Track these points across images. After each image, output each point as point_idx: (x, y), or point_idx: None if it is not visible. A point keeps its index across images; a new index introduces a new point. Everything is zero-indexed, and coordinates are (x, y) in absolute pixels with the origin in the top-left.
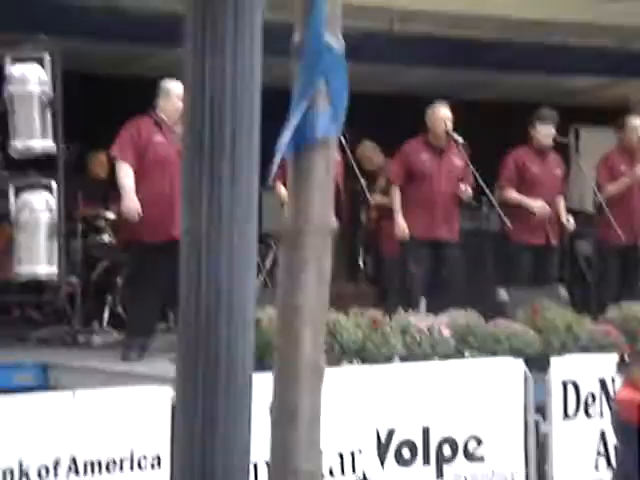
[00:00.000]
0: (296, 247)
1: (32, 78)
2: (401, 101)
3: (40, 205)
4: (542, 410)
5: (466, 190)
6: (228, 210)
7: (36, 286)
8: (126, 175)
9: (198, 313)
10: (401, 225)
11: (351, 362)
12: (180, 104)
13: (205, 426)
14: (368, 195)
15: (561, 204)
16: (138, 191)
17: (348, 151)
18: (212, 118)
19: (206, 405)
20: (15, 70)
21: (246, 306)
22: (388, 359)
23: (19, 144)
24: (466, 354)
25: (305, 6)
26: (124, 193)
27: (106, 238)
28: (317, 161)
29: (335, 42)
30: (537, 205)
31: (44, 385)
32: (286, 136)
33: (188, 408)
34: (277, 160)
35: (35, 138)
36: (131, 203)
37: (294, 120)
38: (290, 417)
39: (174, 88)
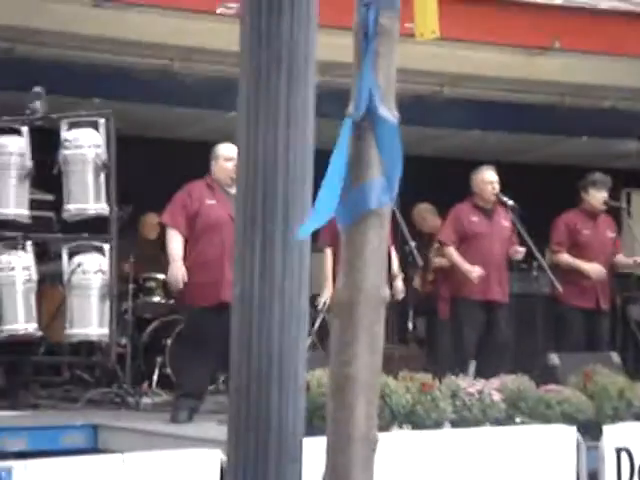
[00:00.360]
0: (349, 317)
1: (86, 142)
2: (450, 163)
3: (93, 267)
4: (595, 478)
5: (517, 252)
6: (280, 276)
7: (87, 347)
8: (175, 242)
9: (249, 378)
10: (470, 269)
11: (400, 426)
12: (229, 167)
13: None
14: (417, 258)
15: (621, 259)
16: (189, 254)
17: (398, 213)
18: (265, 184)
19: (257, 470)
20: (70, 134)
21: (297, 372)
22: (438, 424)
23: (73, 207)
24: (517, 419)
25: (358, 79)
26: (171, 261)
27: (156, 299)
28: (371, 233)
29: (389, 114)
30: (592, 268)
31: (93, 447)
32: (340, 207)
33: (239, 473)
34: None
35: (89, 201)
36: (177, 272)
37: (341, 191)
38: None
39: (223, 151)
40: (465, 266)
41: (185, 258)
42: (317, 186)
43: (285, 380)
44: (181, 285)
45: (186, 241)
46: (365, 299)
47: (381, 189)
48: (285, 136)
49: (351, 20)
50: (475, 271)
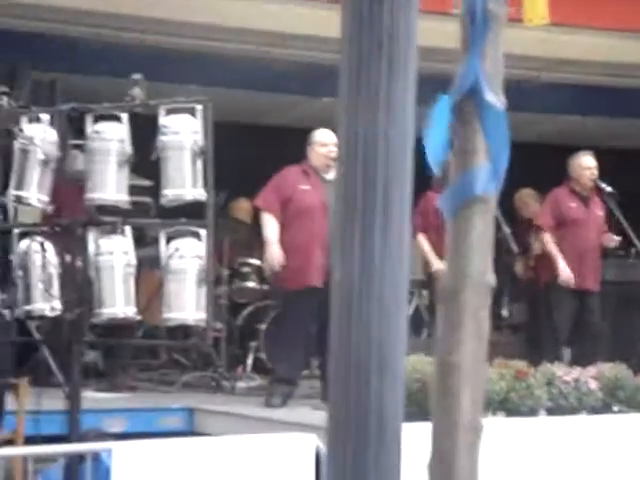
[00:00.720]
0: (454, 303)
1: (184, 128)
2: (548, 149)
3: (190, 252)
4: None
5: (612, 239)
6: (380, 262)
7: (183, 331)
8: (270, 226)
9: (348, 365)
10: (563, 268)
11: (494, 414)
12: (324, 152)
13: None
14: (512, 244)
15: None
16: (283, 239)
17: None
18: (365, 171)
19: (357, 457)
20: (168, 121)
21: (397, 358)
22: (533, 411)
23: (170, 193)
24: (614, 408)
25: (464, 65)
26: (267, 244)
27: (251, 284)
28: (476, 218)
29: (496, 99)
30: None
31: (189, 429)
32: (445, 193)
33: (338, 459)
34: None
35: (186, 187)
36: (274, 255)
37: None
38: (448, 476)
39: (319, 137)
40: (559, 261)
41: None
42: (416, 173)
43: (385, 367)
44: (278, 268)
45: (280, 224)
46: (470, 285)
47: (487, 175)
48: (385, 122)
49: (449, 5)
50: (566, 273)
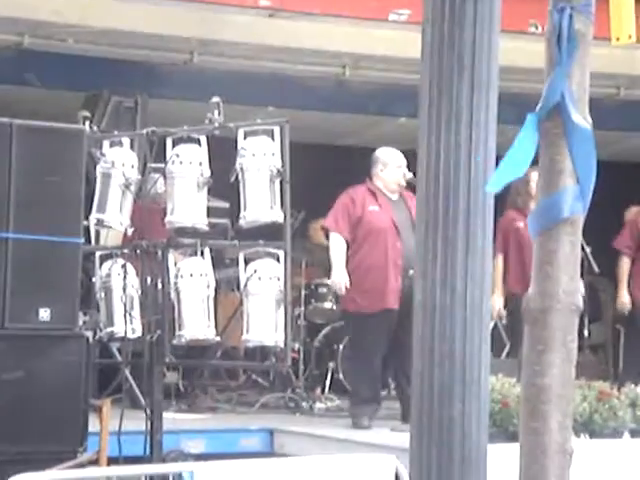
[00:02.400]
0: (541, 325)
1: (262, 150)
2: (625, 168)
3: (268, 273)
4: None
5: None
6: (462, 282)
7: (261, 352)
8: (338, 247)
9: (432, 385)
10: (623, 298)
11: (577, 435)
12: (400, 174)
13: None
14: (593, 264)
15: None
16: (352, 259)
17: None
18: (446, 190)
19: (441, 478)
20: (246, 143)
21: (481, 378)
22: (616, 433)
23: (249, 214)
24: None
25: (550, 85)
26: (334, 266)
27: (327, 305)
28: (563, 240)
29: (582, 121)
30: None
31: (268, 450)
32: (533, 215)
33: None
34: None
35: (264, 208)
36: (339, 277)
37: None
38: None
39: (395, 157)
40: (623, 292)
41: (348, 264)
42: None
43: (468, 387)
44: (344, 291)
45: (348, 246)
46: (558, 307)
47: (574, 197)
48: (467, 142)
49: (526, 24)
50: (622, 299)
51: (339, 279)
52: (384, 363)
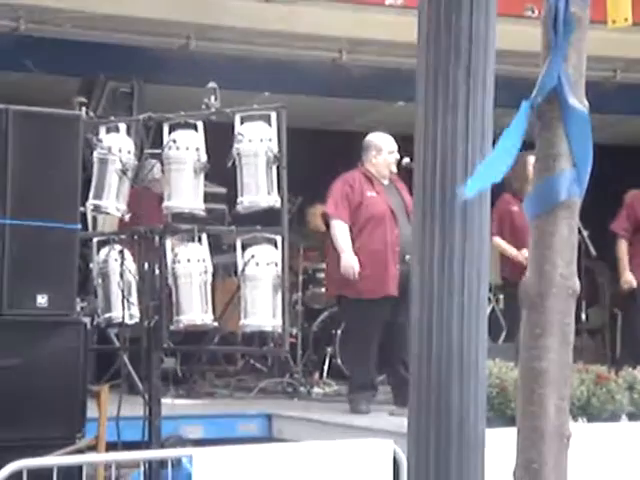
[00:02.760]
0: (539, 310)
1: (259, 136)
2: (623, 151)
3: (265, 259)
4: None
5: None
6: (459, 266)
7: (260, 337)
8: (342, 233)
9: (430, 370)
10: (627, 277)
11: (575, 419)
12: (392, 159)
13: None
14: (590, 247)
15: None
16: (353, 246)
17: None
18: (443, 174)
19: (439, 461)
20: (243, 129)
21: (478, 363)
22: (614, 416)
23: (246, 200)
24: None
25: (547, 69)
26: (342, 252)
27: (325, 290)
28: (560, 223)
29: (579, 105)
30: None
31: (267, 435)
32: (529, 198)
33: (421, 464)
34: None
35: (261, 194)
36: (350, 262)
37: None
38: None
39: (387, 143)
40: (626, 272)
41: None
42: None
43: (466, 371)
44: (356, 275)
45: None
46: (555, 290)
47: (571, 180)
48: (464, 126)
49: (522, 8)
50: (628, 280)
51: (350, 263)
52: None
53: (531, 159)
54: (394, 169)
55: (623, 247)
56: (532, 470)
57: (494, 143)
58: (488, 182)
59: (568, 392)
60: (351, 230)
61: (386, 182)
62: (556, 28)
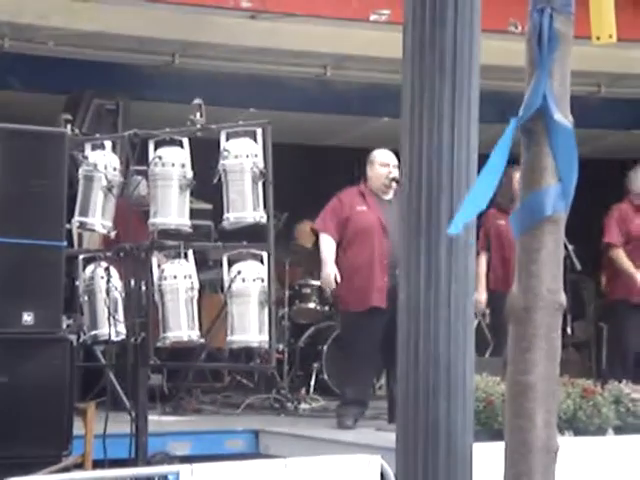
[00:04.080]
0: (525, 323)
1: (245, 152)
2: (605, 164)
3: (252, 275)
4: None
5: None
6: (446, 281)
7: (246, 353)
8: (327, 247)
9: (417, 384)
10: (635, 273)
11: (562, 433)
12: (384, 172)
13: None
14: (576, 262)
15: None
16: (340, 259)
17: None
18: (429, 189)
19: (427, 476)
20: (229, 145)
21: (465, 377)
22: (600, 430)
23: (232, 216)
24: None
25: (532, 85)
26: (323, 264)
27: (311, 305)
28: (546, 238)
29: (564, 120)
30: None
31: (254, 451)
32: (515, 213)
33: (409, 479)
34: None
35: (247, 210)
36: (329, 275)
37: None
38: None
39: (379, 157)
40: (632, 270)
41: (336, 264)
42: None
43: (453, 386)
44: (333, 286)
45: (337, 246)
46: (542, 305)
47: (556, 195)
48: (450, 141)
49: (506, 23)
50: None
51: (329, 273)
52: (373, 362)
53: (517, 174)
54: (387, 182)
55: (622, 254)
56: None
57: (480, 158)
58: (474, 212)
59: (556, 406)
60: (340, 243)
61: (388, 196)
62: (541, 45)
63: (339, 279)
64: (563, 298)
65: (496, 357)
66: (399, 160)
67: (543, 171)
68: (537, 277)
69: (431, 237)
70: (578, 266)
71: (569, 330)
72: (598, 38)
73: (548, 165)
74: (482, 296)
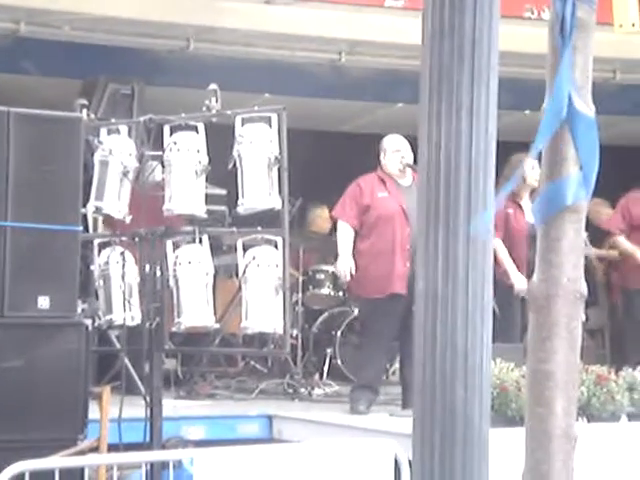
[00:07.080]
0: (546, 312)
1: (259, 137)
2: (621, 150)
3: (266, 260)
4: None
5: None
6: (464, 270)
7: (260, 339)
8: (344, 235)
9: (434, 373)
10: None
11: (576, 419)
12: (397, 158)
13: None
14: (591, 249)
15: None
16: (361, 246)
17: None
18: (447, 177)
19: (444, 464)
20: (244, 130)
21: (483, 366)
22: (614, 417)
23: (246, 201)
24: None
25: (555, 75)
26: (340, 253)
27: (325, 291)
28: (567, 227)
29: (585, 108)
30: None
31: (267, 436)
32: (536, 203)
33: (425, 467)
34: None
35: (262, 195)
36: (344, 264)
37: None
38: None
39: (390, 143)
40: (637, 253)
41: (356, 250)
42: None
43: (470, 374)
44: (348, 277)
45: (356, 233)
46: (562, 294)
47: (578, 184)
48: (468, 128)
49: (522, 9)
50: None
51: (344, 266)
52: (388, 348)
53: (527, 162)
54: (401, 167)
55: (624, 240)
56: (541, 471)
57: (498, 145)
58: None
59: (575, 394)
60: (361, 230)
61: (407, 182)
62: (563, 34)
63: (354, 271)
64: (584, 287)
65: (509, 344)
66: (411, 145)
67: (564, 160)
68: (558, 266)
69: (449, 225)
70: (592, 253)
71: (583, 317)
72: (621, 26)
73: (569, 154)
74: (519, 282)
